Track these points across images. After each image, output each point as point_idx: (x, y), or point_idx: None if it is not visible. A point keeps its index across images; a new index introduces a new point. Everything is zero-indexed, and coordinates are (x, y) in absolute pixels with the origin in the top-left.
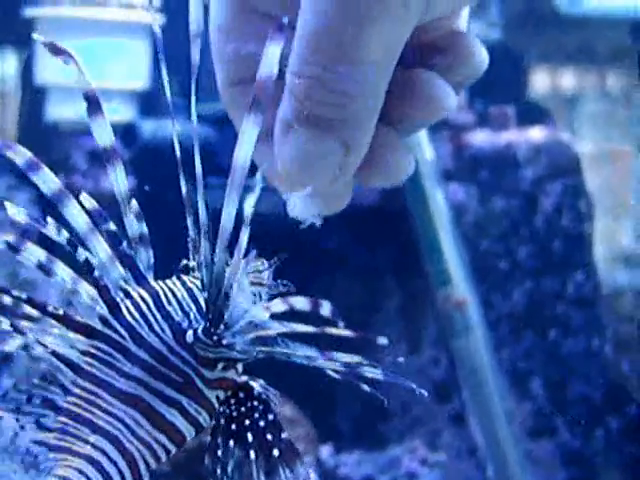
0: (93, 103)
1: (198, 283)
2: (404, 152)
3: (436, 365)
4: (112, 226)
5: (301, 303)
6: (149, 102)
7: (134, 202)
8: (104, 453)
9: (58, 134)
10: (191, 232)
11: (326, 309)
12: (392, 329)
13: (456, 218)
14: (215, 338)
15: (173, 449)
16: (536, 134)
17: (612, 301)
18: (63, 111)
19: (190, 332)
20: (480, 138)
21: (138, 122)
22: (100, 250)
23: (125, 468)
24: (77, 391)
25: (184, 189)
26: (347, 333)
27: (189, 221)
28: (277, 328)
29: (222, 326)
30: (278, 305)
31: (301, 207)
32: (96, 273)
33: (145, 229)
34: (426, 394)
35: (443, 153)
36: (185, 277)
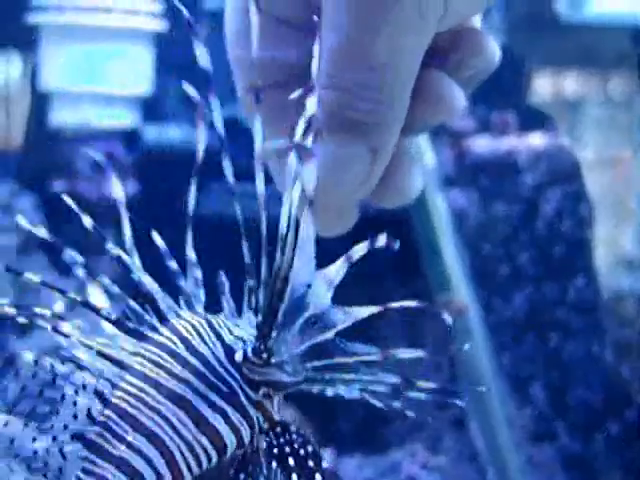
0: None
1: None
2: (415, 171)
3: (437, 370)
4: (174, 264)
5: (360, 251)
6: (152, 107)
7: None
8: (140, 453)
9: (62, 140)
10: (246, 258)
11: (382, 240)
12: (393, 334)
13: (457, 223)
14: (264, 356)
15: (214, 456)
16: (537, 140)
17: (613, 306)
18: (67, 116)
19: (240, 352)
20: (481, 144)
21: (141, 127)
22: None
23: (164, 467)
24: (125, 386)
25: (240, 217)
26: (411, 304)
27: (244, 246)
28: (340, 319)
29: (272, 343)
30: (338, 269)
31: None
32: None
33: (200, 274)
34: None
35: (444, 159)
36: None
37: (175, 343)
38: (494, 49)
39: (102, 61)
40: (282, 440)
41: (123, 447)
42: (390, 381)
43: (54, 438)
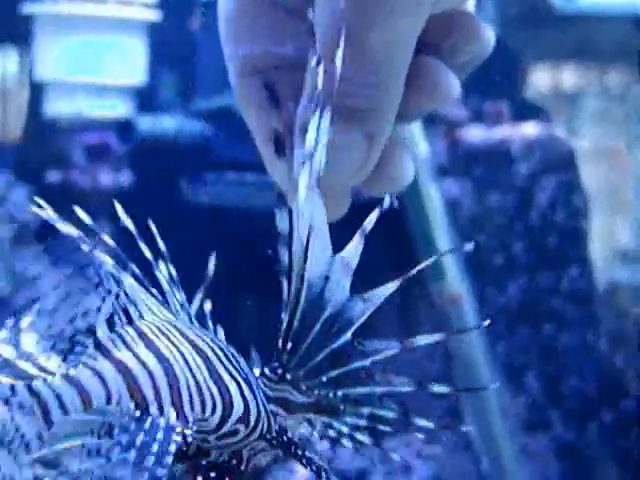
0: None
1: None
2: (407, 160)
3: (431, 359)
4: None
5: (372, 220)
6: (146, 98)
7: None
8: (143, 365)
9: (56, 130)
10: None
11: (387, 201)
12: (387, 323)
13: (451, 213)
14: (279, 371)
15: (219, 409)
16: (530, 129)
17: (608, 296)
18: (62, 107)
19: (257, 369)
20: (475, 134)
21: (135, 118)
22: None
23: (165, 389)
24: (152, 318)
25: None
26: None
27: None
28: (359, 310)
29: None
30: (356, 247)
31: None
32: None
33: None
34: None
35: (438, 149)
36: None
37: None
38: (488, 34)
39: (96, 51)
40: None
41: (129, 354)
42: (404, 389)
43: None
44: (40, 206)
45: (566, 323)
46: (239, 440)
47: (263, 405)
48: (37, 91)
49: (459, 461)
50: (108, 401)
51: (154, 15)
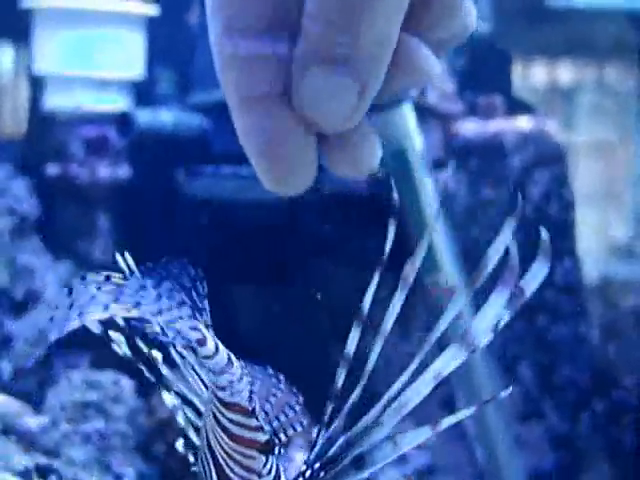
0: None
1: None
2: (376, 146)
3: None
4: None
5: None
6: (144, 91)
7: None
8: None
9: (55, 123)
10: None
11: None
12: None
13: (445, 206)
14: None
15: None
16: (524, 123)
17: (601, 289)
18: (60, 100)
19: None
20: (469, 127)
21: (134, 111)
22: None
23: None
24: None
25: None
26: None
27: None
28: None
29: None
30: None
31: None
32: None
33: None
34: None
35: (432, 142)
36: None
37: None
38: (470, 10)
39: (95, 45)
40: None
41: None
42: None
43: None
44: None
45: (559, 315)
46: None
47: None
48: (36, 85)
49: (454, 450)
50: None
51: (152, 9)
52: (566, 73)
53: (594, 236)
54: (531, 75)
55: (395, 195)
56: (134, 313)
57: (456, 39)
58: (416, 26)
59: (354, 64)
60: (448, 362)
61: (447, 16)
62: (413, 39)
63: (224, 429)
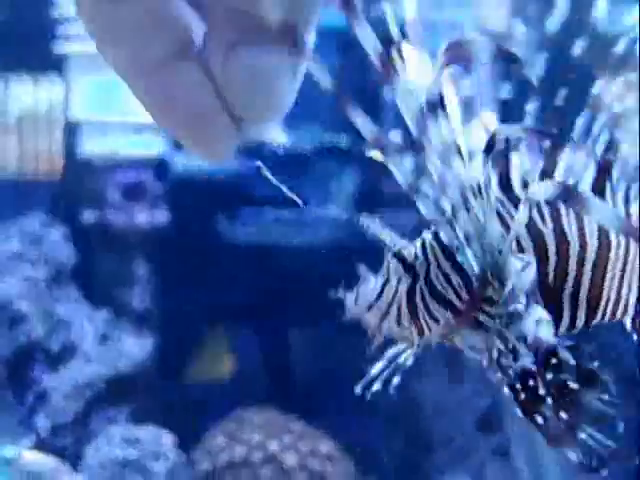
0: None
1: None
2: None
3: (480, 395)
4: None
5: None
6: None
7: None
8: None
9: (92, 169)
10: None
11: None
12: (433, 359)
13: None
14: None
15: None
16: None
17: None
18: (96, 146)
19: None
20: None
21: (170, 156)
22: None
23: None
24: None
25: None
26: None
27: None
28: None
29: None
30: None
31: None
32: None
33: None
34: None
35: None
36: None
37: None
38: None
39: (128, 90)
40: None
41: None
42: None
43: None
44: None
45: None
46: None
47: None
48: (72, 130)
49: None
50: None
51: None
52: None
53: None
54: None
55: None
56: None
57: None
58: None
59: (286, 34)
60: None
61: None
62: None
63: None
